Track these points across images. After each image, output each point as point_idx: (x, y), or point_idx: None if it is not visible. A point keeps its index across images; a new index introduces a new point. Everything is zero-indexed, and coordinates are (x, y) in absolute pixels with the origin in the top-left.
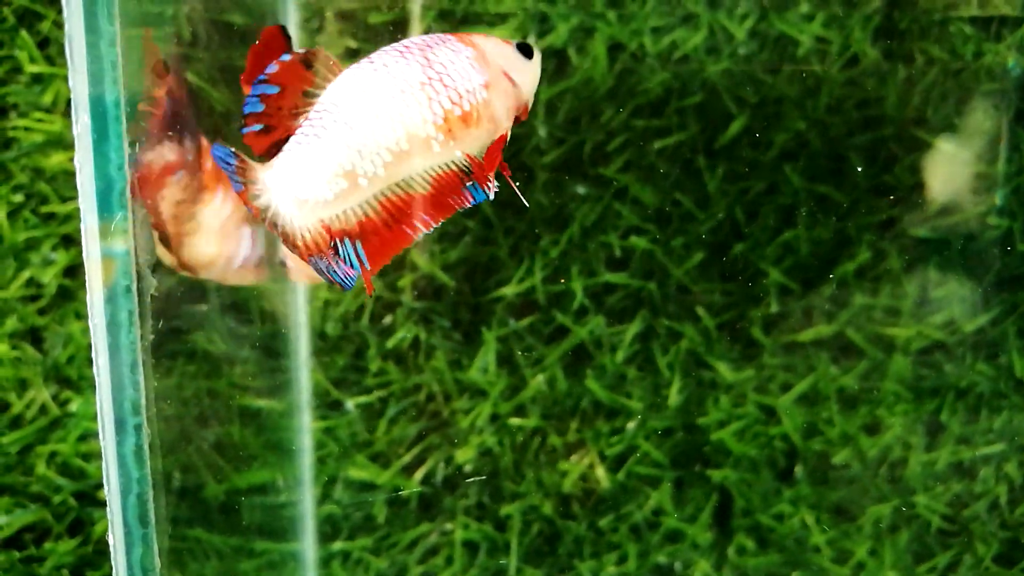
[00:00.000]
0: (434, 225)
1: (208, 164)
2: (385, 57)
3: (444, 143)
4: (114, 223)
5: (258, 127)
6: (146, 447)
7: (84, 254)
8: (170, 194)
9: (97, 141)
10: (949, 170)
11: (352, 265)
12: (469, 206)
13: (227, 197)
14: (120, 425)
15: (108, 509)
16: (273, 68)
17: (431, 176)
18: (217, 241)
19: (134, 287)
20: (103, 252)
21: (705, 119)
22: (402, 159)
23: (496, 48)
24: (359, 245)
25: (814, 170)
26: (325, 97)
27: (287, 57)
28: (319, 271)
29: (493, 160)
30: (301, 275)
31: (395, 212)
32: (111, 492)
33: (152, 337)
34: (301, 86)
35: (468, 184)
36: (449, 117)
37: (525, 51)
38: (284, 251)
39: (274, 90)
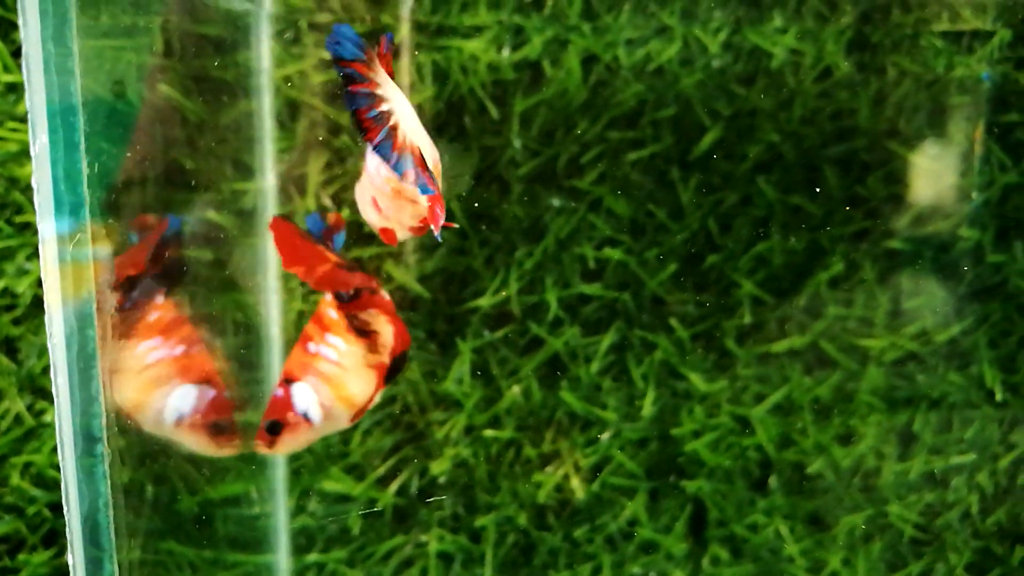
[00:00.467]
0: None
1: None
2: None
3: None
4: (75, 238)
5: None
6: (106, 465)
7: (42, 270)
8: None
9: (66, 150)
10: (921, 182)
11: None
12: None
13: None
14: (83, 441)
15: (68, 529)
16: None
17: None
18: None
19: (93, 300)
20: (63, 263)
21: (679, 131)
22: None
23: None
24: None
25: (788, 182)
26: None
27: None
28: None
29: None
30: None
31: None
32: (71, 511)
33: (117, 351)
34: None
35: None
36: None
37: None
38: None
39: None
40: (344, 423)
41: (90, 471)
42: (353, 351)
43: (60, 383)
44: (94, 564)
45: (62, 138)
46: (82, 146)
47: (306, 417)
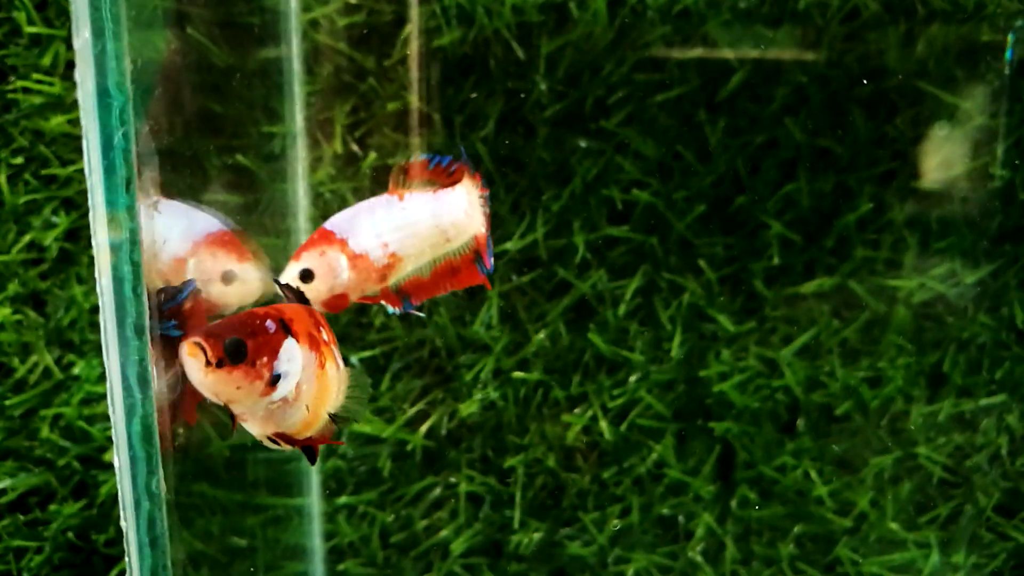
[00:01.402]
0: None
1: None
2: None
3: None
4: (120, 132)
5: None
6: (151, 368)
7: (87, 177)
8: None
9: (99, 97)
10: (950, 121)
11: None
12: None
13: None
14: (123, 340)
15: (114, 434)
16: None
17: None
18: None
19: (139, 237)
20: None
21: (706, 73)
22: None
23: None
24: None
25: (815, 123)
26: None
27: None
28: None
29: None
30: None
31: None
32: (116, 416)
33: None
34: None
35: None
36: None
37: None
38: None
39: None
40: (270, 427)
41: (137, 376)
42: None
43: (106, 301)
44: (138, 468)
45: (102, 78)
46: (124, 40)
47: (274, 381)
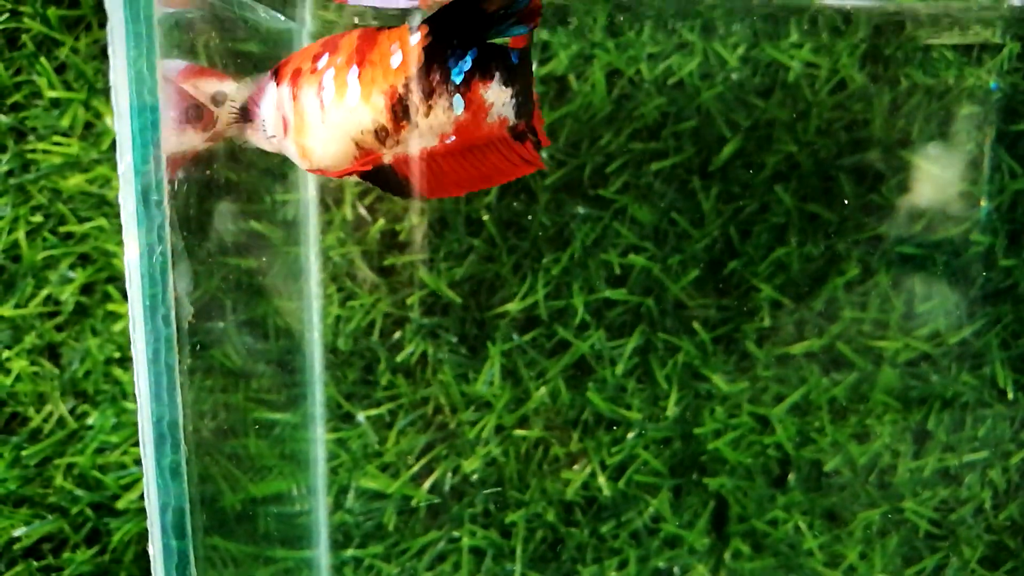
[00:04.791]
0: None
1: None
2: None
3: None
4: (158, 251)
5: None
6: (183, 461)
7: (128, 283)
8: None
9: (138, 171)
10: (933, 189)
11: None
12: None
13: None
14: (163, 438)
15: (148, 521)
16: None
17: None
18: None
19: (172, 315)
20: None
21: (700, 142)
22: None
23: None
24: None
25: (805, 190)
26: None
27: None
28: None
29: None
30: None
31: None
32: (151, 504)
33: (189, 361)
34: None
35: None
36: None
37: None
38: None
39: None
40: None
41: (170, 467)
42: (351, 109)
43: (142, 387)
44: (176, 555)
45: (143, 157)
46: (164, 165)
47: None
